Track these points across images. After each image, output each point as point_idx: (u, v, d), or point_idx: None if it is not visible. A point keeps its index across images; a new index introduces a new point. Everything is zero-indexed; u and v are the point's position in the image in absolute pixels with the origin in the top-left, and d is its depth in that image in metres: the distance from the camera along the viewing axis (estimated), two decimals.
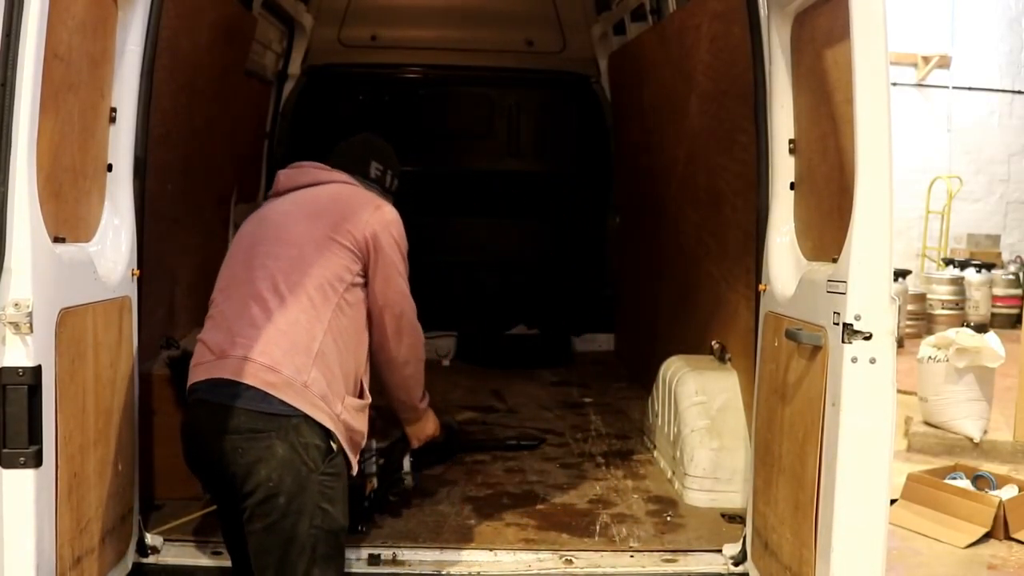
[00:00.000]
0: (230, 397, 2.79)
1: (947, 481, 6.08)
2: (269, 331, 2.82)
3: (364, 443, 3.13)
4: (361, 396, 3.07)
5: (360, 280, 3.03)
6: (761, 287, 3.56)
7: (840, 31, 2.95)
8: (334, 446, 2.87)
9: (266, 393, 2.76)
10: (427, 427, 3.63)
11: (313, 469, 2.79)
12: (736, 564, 3.64)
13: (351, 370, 2.99)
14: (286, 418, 2.77)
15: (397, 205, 3.26)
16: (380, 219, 3.06)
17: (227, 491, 2.88)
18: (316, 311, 2.88)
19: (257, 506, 2.78)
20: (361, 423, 3.04)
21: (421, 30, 7.38)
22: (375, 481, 3.63)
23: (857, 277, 2.82)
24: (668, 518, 4.14)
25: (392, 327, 3.14)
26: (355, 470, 3.04)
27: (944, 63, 15.78)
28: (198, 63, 4.59)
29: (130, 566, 3.37)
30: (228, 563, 3.29)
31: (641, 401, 5.49)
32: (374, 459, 3.60)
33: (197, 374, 2.94)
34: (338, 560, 2.93)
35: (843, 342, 2.82)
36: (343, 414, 2.91)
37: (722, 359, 4.64)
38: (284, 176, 3.27)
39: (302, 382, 2.80)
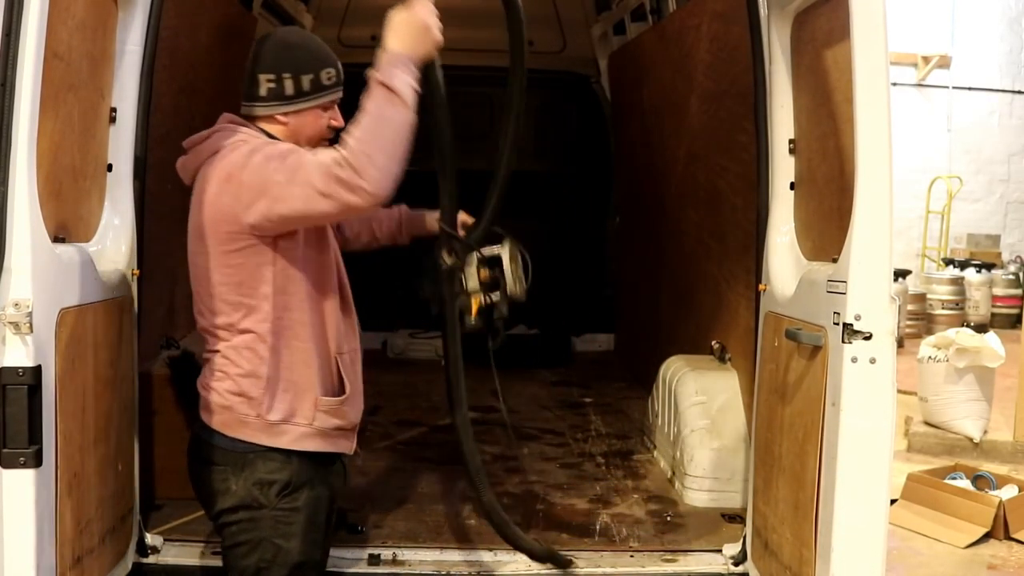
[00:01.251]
0: (201, 429, 2.74)
1: (947, 481, 6.08)
2: (218, 372, 2.68)
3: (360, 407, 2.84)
4: (342, 390, 2.75)
5: (284, 260, 2.59)
6: (761, 287, 3.56)
7: (840, 31, 2.95)
8: (294, 479, 2.66)
9: (222, 432, 2.67)
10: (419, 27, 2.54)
11: (266, 504, 2.65)
12: (736, 564, 3.64)
13: (318, 369, 2.69)
14: (242, 454, 2.66)
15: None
16: (226, 193, 2.54)
17: None
18: (258, 335, 2.62)
19: (217, 530, 2.76)
20: (344, 416, 2.75)
21: None
22: (482, 296, 3.11)
23: (857, 277, 2.82)
24: (668, 518, 4.14)
25: (338, 211, 2.47)
26: (352, 450, 2.86)
27: (944, 63, 15.78)
28: (198, 63, 4.58)
29: (130, 566, 3.37)
30: None
31: (641, 401, 5.49)
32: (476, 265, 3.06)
33: None
34: None
35: (843, 342, 2.82)
36: (316, 421, 2.69)
37: (722, 359, 4.64)
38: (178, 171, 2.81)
39: (256, 415, 2.63)
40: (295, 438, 2.67)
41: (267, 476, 2.65)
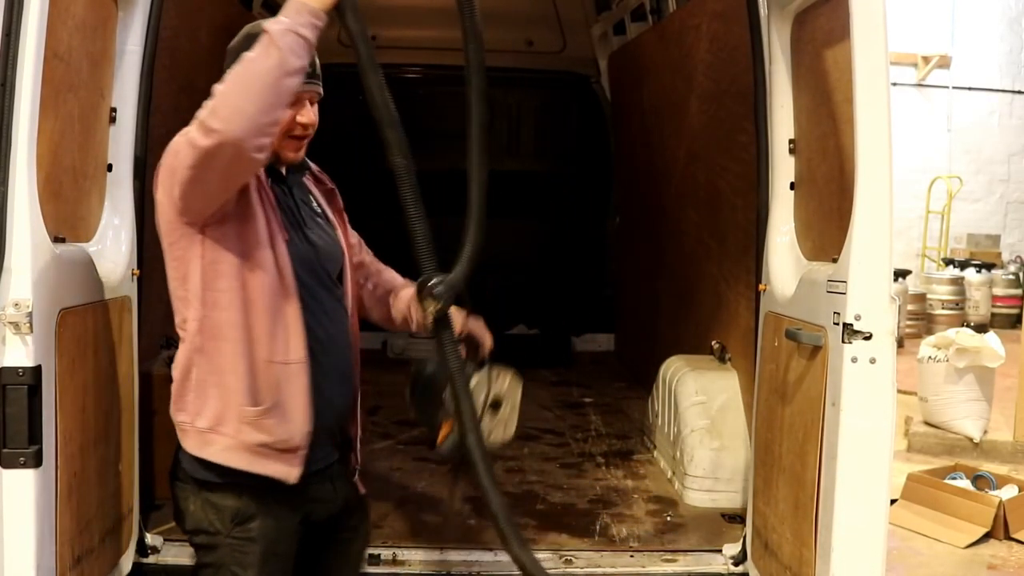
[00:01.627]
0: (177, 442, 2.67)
1: (947, 481, 6.08)
2: (173, 378, 2.58)
3: (307, 446, 2.53)
4: (262, 399, 2.47)
5: (213, 253, 2.43)
6: (761, 287, 3.56)
7: (840, 31, 2.95)
8: (243, 508, 2.51)
9: (182, 446, 2.57)
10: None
11: (221, 531, 2.53)
12: (736, 564, 3.64)
13: (245, 376, 2.45)
14: (197, 473, 2.54)
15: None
16: (160, 183, 2.44)
17: None
18: (190, 334, 2.49)
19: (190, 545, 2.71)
20: (269, 432, 2.47)
21: (421, 30, 7.37)
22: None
23: (857, 277, 2.82)
24: (668, 518, 4.14)
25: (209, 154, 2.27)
26: (296, 477, 2.51)
27: (944, 63, 15.78)
28: (198, 63, 4.58)
29: (130, 566, 3.37)
30: None
31: (641, 401, 5.49)
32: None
33: None
34: None
35: (843, 342, 2.82)
36: (240, 434, 2.46)
37: (722, 359, 4.64)
38: None
39: (190, 422, 2.50)
40: (221, 449, 2.48)
41: (219, 501, 2.52)
